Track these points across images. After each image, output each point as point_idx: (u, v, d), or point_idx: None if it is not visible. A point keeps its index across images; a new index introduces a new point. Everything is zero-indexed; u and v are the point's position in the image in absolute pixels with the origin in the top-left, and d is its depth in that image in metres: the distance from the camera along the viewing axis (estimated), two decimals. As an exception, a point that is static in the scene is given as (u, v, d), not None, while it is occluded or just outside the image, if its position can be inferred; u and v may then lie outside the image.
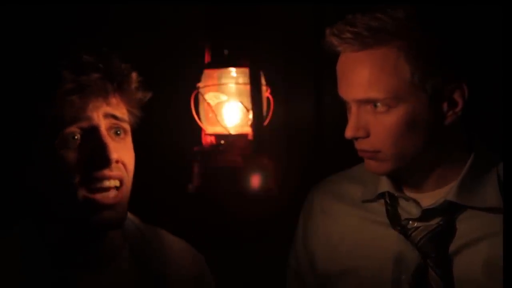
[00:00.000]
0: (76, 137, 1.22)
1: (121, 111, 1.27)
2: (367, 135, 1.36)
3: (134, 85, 1.29)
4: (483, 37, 1.49)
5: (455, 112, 1.35)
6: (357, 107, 1.36)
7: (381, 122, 1.34)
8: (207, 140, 2.18)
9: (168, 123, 2.17)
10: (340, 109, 1.43)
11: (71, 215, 1.24)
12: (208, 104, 2.15)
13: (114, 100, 1.26)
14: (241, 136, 2.15)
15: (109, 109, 1.24)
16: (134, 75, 1.29)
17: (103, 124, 1.23)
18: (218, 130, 2.16)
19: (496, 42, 1.32)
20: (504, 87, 1.30)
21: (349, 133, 1.37)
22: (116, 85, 1.26)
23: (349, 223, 1.49)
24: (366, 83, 1.32)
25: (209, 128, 2.17)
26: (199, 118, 2.18)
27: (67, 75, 1.20)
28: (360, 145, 1.38)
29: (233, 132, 2.15)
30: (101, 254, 1.30)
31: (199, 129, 2.18)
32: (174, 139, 2.19)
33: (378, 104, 1.33)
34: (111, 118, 1.25)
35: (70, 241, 1.28)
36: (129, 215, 1.35)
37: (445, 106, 1.35)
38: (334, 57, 1.40)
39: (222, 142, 2.16)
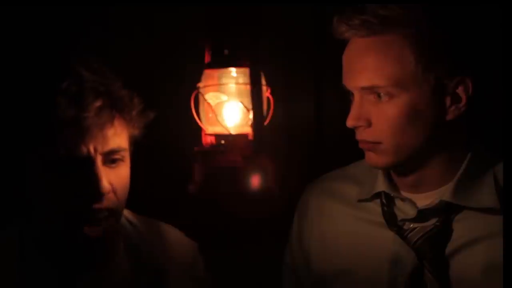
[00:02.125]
0: (69, 167, 1.19)
1: (119, 140, 1.23)
2: (368, 125, 1.35)
3: (135, 111, 1.26)
4: (491, 35, 1.48)
5: (458, 107, 1.34)
6: (360, 96, 1.35)
7: (383, 112, 1.33)
8: (207, 140, 2.18)
9: (168, 123, 2.16)
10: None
11: (62, 238, 1.25)
12: (208, 104, 2.15)
13: (112, 131, 1.21)
14: (241, 136, 2.15)
15: (105, 142, 1.20)
16: (136, 100, 1.26)
17: (98, 156, 1.20)
18: (218, 130, 2.16)
19: (504, 41, 1.31)
20: (504, 86, 1.29)
21: (350, 122, 1.36)
22: (116, 111, 1.22)
23: (345, 223, 1.49)
24: (370, 69, 1.32)
25: (209, 128, 2.17)
26: (199, 118, 2.18)
27: (63, 103, 1.16)
28: (361, 135, 1.37)
29: (233, 132, 2.15)
30: (98, 256, 1.31)
31: (199, 129, 2.18)
32: (174, 139, 2.19)
33: (381, 94, 1.32)
34: (108, 150, 1.22)
35: (65, 248, 1.28)
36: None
37: (448, 100, 1.34)
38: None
39: (222, 142, 2.16)
